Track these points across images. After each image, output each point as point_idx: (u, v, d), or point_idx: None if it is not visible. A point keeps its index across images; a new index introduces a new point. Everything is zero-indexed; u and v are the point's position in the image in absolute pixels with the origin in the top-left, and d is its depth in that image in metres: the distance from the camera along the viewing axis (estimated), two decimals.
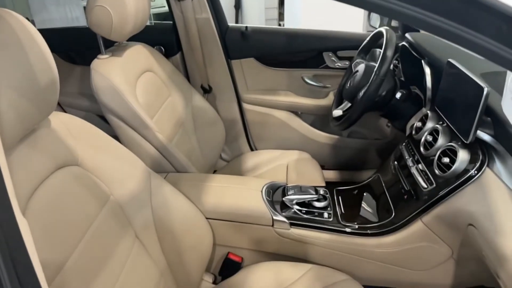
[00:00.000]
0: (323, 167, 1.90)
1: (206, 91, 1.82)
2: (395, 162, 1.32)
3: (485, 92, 0.94)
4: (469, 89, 1.01)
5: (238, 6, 4.44)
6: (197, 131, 1.68)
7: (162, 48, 1.78)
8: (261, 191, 1.25)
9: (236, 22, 4.51)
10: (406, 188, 1.19)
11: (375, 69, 1.27)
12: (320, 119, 1.95)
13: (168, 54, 1.78)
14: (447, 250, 1.10)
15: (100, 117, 1.87)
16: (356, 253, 1.18)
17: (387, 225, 1.16)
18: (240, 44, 1.79)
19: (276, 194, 1.29)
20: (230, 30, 1.78)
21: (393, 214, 1.18)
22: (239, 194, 1.25)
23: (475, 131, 0.99)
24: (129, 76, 1.30)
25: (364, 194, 1.37)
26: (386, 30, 1.36)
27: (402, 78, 1.56)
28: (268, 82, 1.89)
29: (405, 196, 1.17)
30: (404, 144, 1.33)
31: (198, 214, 1.15)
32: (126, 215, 0.96)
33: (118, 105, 1.24)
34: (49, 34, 0.92)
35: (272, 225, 1.20)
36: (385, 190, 1.30)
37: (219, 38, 1.73)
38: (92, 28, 1.23)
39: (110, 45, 1.40)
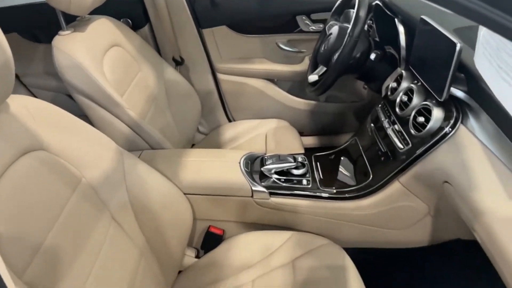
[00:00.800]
0: (302, 134, 1.89)
1: (178, 63, 1.77)
2: (372, 124, 1.31)
3: (457, 48, 0.93)
4: (442, 46, 0.99)
5: None
6: (171, 105, 1.63)
7: (129, 21, 1.71)
8: (239, 163, 1.24)
9: None
10: (382, 150, 1.19)
11: (348, 30, 1.24)
12: (297, 85, 1.92)
13: (135, 27, 1.70)
14: (424, 207, 1.12)
15: (70, 97, 1.80)
16: (336, 217, 1.19)
17: (365, 187, 1.16)
18: (210, 12, 1.73)
19: (254, 165, 1.28)
20: None
21: (371, 176, 1.18)
22: (217, 167, 1.23)
23: (449, 89, 0.98)
24: (94, 52, 1.24)
25: (342, 158, 1.37)
26: None
27: (377, 39, 1.53)
28: (242, 50, 1.84)
29: (382, 158, 1.17)
30: (380, 105, 1.32)
31: (175, 190, 1.13)
32: (100, 197, 0.94)
33: (85, 83, 1.19)
34: (6, 13, 0.86)
35: (252, 196, 1.19)
36: (363, 153, 1.30)
37: (188, 7, 1.66)
38: (50, 3, 1.16)
39: (73, 20, 1.32)
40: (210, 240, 1.23)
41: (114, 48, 1.36)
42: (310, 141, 1.97)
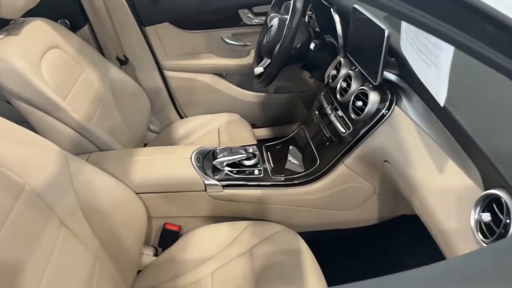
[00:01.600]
0: (254, 126, 1.92)
1: (123, 62, 1.73)
2: (316, 112, 1.36)
3: (386, 34, 0.99)
4: (373, 33, 1.05)
5: None
6: (119, 105, 1.60)
7: (67, 22, 1.65)
8: (190, 158, 1.25)
9: None
10: (327, 135, 1.24)
11: (287, 22, 1.27)
12: (245, 78, 1.95)
13: (74, 28, 1.65)
14: (370, 187, 1.19)
15: (9, 104, 1.72)
16: (288, 203, 1.23)
17: (313, 172, 1.21)
18: (151, 9, 1.71)
19: (206, 159, 1.29)
20: None
21: (318, 161, 1.23)
22: (168, 164, 1.24)
23: (382, 73, 1.04)
24: (31, 56, 1.20)
25: (291, 147, 1.41)
26: None
27: (317, 29, 1.58)
28: (187, 46, 1.83)
29: (327, 143, 1.23)
30: (323, 93, 1.37)
31: (126, 190, 1.12)
32: (47, 203, 0.92)
33: (23, 89, 1.15)
34: None
35: (205, 190, 1.20)
36: (310, 140, 1.35)
37: (128, 5, 1.63)
38: None
39: (7, 24, 1.27)
40: (167, 237, 1.24)
41: (52, 50, 1.32)
42: (263, 132, 2.00)
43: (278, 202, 1.23)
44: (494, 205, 0.68)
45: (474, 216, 0.70)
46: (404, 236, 1.26)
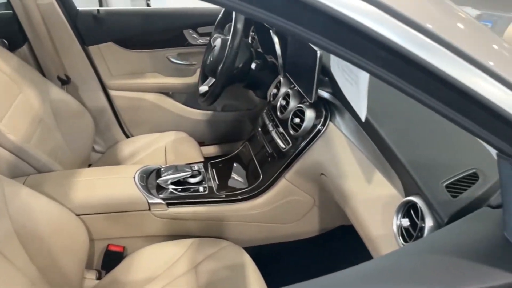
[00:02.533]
0: (203, 144, 1.94)
1: (64, 82, 1.70)
2: (259, 129, 1.41)
3: (318, 55, 1.06)
4: (307, 53, 1.12)
5: None
6: (61, 125, 1.56)
7: (5, 41, 1.60)
8: (134, 177, 1.24)
9: (100, 6, 4.23)
10: (269, 152, 1.28)
11: (228, 42, 1.32)
12: (192, 97, 1.96)
13: (12, 47, 1.61)
14: (310, 200, 1.24)
15: None
16: (233, 219, 1.25)
17: (256, 188, 1.25)
18: (94, 28, 1.69)
19: (150, 178, 1.29)
20: (81, 15, 1.67)
21: (261, 177, 1.27)
22: (110, 184, 1.22)
23: (316, 91, 1.11)
24: None
25: (235, 163, 1.45)
26: None
27: (260, 49, 1.64)
28: (132, 66, 1.83)
29: (269, 159, 1.27)
30: (265, 111, 1.42)
31: (66, 213, 1.10)
32: None
33: None
34: None
35: (149, 209, 1.20)
36: (253, 156, 1.39)
37: (69, 24, 1.61)
38: None
39: None
40: (111, 259, 1.21)
41: None
42: (211, 150, 2.02)
43: (223, 218, 1.25)
44: (411, 211, 0.74)
45: (396, 222, 0.76)
46: (344, 245, 1.32)
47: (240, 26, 1.33)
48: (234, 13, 1.36)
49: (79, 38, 1.66)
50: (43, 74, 1.65)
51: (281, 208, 1.25)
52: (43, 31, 1.56)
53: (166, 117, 1.90)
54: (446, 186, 0.70)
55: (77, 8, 1.67)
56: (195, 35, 1.81)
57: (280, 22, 0.44)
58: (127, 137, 1.92)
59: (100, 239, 1.22)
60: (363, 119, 0.75)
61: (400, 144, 0.82)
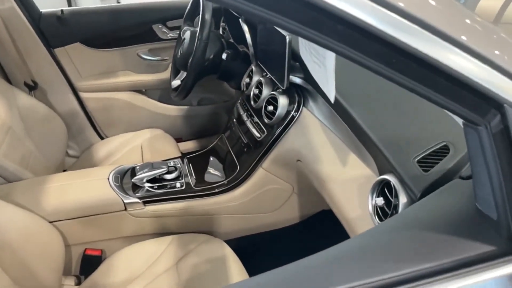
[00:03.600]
0: (180, 140, 1.90)
1: (32, 87, 1.64)
2: (234, 120, 1.39)
3: (287, 40, 1.04)
4: (277, 40, 1.10)
5: None
6: (31, 132, 1.51)
7: None
8: (108, 178, 1.21)
9: (69, 6, 4.14)
10: (245, 142, 1.27)
11: (197, 34, 1.29)
12: (166, 92, 1.93)
13: None
14: (289, 187, 1.22)
15: None
16: (212, 212, 1.23)
17: (234, 179, 1.23)
18: (59, 30, 1.64)
19: (126, 178, 1.26)
20: (44, 17, 1.61)
21: (238, 168, 1.25)
22: (83, 188, 1.19)
23: (288, 77, 1.09)
24: None
25: (211, 158, 1.42)
26: None
27: (231, 40, 1.62)
28: (102, 65, 1.78)
29: (245, 149, 1.25)
30: (239, 101, 1.40)
31: (37, 220, 1.06)
32: None
33: None
34: None
35: (125, 209, 1.17)
36: (230, 148, 1.37)
37: (32, 27, 1.55)
38: None
39: None
40: (89, 264, 1.18)
41: None
42: (189, 145, 1.99)
43: (202, 213, 1.22)
44: (386, 190, 0.73)
45: (371, 201, 0.75)
46: (326, 230, 1.31)
47: (208, 17, 1.30)
48: (201, 4, 1.33)
49: (44, 41, 1.61)
50: (9, 81, 1.59)
51: (260, 198, 1.23)
52: (5, 36, 1.50)
53: (141, 115, 1.86)
54: (418, 161, 0.70)
55: (40, 10, 1.61)
56: (164, 30, 1.77)
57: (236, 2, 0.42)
58: (102, 138, 1.87)
59: (77, 244, 1.18)
60: (332, 100, 0.74)
61: (372, 124, 0.81)
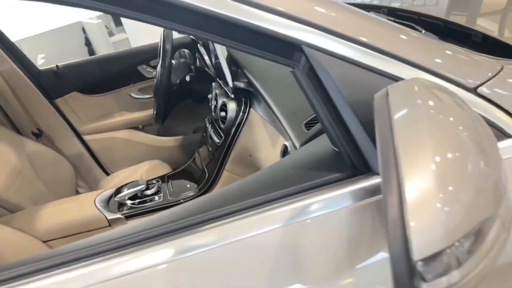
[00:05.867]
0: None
1: (38, 135, 1.86)
2: (204, 134, 1.51)
3: (218, 51, 1.16)
4: (218, 53, 1.22)
5: (88, 43, 4.58)
6: (41, 175, 1.70)
7: None
8: (94, 200, 1.35)
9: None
10: (210, 150, 1.37)
11: (160, 63, 1.45)
12: (161, 126, 2.09)
13: None
14: None
15: None
16: None
17: (204, 185, 1.33)
18: (57, 83, 1.87)
19: (112, 198, 1.39)
20: (43, 73, 1.85)
21: (207, 175, 1.35)
22: (72, 210, 1.33)
23: (231, 84, 1.20)
24: None
25: (189, 171, 1.53)
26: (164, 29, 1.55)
27: (198, 64, 1.77)
28: (99, 109, 1.98)
29: (211, 156, 1.36)
30: (208, 116, 1.52)
31: (31, 240, 1.20)
32: None
33: None
34: None
35: (109, 225, 1.29)
36: (201, 160, 1.48)
37: (33, 83, 1.79)
38: None
39: None
40: None
41: None
42: None
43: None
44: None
45: None
46: None
47: (168, 46, 1.46)
48: (161, 35, 1.50)
49: (45, 94, 1.84)
50: (19, 132, 1.82)
51: None
52: (9, 93, 1.74)
53: (141, 150, 2.02)
54: (305, 124, 0.78)
55: (38, 68, 1.86)
56: (149, 69, 1.96)
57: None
58: (108, 175, 2.04)
59: None
60: (230, 85, 0.84)
61: (278, 103, 0.90)
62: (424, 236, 0.34)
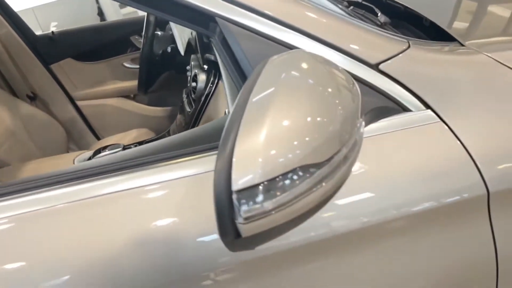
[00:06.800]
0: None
1: (32, 98, 1.95)
2: (181, 103, 1.57)
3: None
4: None
5: (101, 13, 4.66)
6: (33, 137, 1.79)
7: None
8: (74, 160, 1.44)
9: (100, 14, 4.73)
10: (182, 119, 1.44)
11: (143, 33, 1.51)
12: (154, 96, 2.16)
13: None
14: None
15: None
16: None
17: None
18: (52, 48, 1.95)
19: (90, 159, 1.48)
20: (39, 39, 1.93)
21: None
22: (51, 167, 1.42)
23: (202, 56, 1.26)
24: None
25: (164, 137, 1.60)
26: None
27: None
28: (93, 76, 2.06)
29: (183, 124, 1.42)
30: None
31: None
32: None
33: None
34: None
35: None
36: (176, 127, 1.55)
37: (29, 47, 1.87)
38: None
39: None
40: None
41: None
42: None
43: None
44: None
45: None
46: None
47: (152, 18, 1.52)
48: None
49: (41, 59, 1.92)
50: (15, 94, 1.91)
51: None
52: (6, 57, 1.83)
53: (130, 118, 2.10)
54: None
55: (35, 33, 1.94)
56: (140, 40, 2.02)
57: None
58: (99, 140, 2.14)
59: None
60: (182, 53, 0.90)
61: None
62: (243, 168, 0.39)
